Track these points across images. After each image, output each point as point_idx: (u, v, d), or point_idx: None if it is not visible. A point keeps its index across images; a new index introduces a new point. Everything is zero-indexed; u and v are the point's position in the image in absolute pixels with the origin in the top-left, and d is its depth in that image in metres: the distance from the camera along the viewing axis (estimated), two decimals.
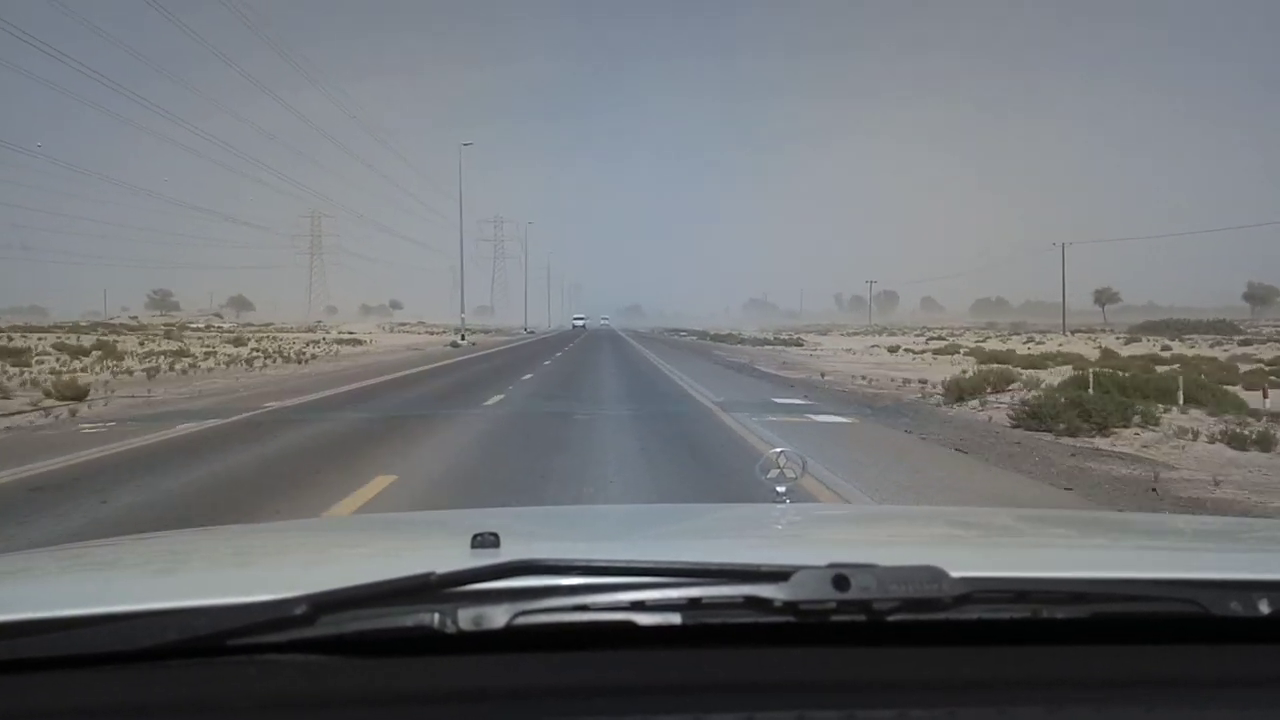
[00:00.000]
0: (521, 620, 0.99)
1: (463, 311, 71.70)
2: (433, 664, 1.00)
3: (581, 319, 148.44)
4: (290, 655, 0.98)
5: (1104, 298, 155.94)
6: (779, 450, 2.22)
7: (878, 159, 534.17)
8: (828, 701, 0.94)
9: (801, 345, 61.58)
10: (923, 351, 50.00)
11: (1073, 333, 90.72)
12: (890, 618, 0.99)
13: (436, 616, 0.98)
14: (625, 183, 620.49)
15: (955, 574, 1.00)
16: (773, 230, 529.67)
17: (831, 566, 1.00)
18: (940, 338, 78.42)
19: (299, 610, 0.96)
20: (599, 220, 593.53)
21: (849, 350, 52.94)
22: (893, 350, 52.56)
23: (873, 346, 60.00)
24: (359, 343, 61.03)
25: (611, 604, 1.01)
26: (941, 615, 1.00)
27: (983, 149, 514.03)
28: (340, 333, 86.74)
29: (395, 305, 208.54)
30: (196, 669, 0.98)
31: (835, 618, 0.99)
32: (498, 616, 0.98)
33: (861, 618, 0.99)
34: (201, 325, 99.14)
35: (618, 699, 0.96)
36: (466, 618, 0.98)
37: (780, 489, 2.12)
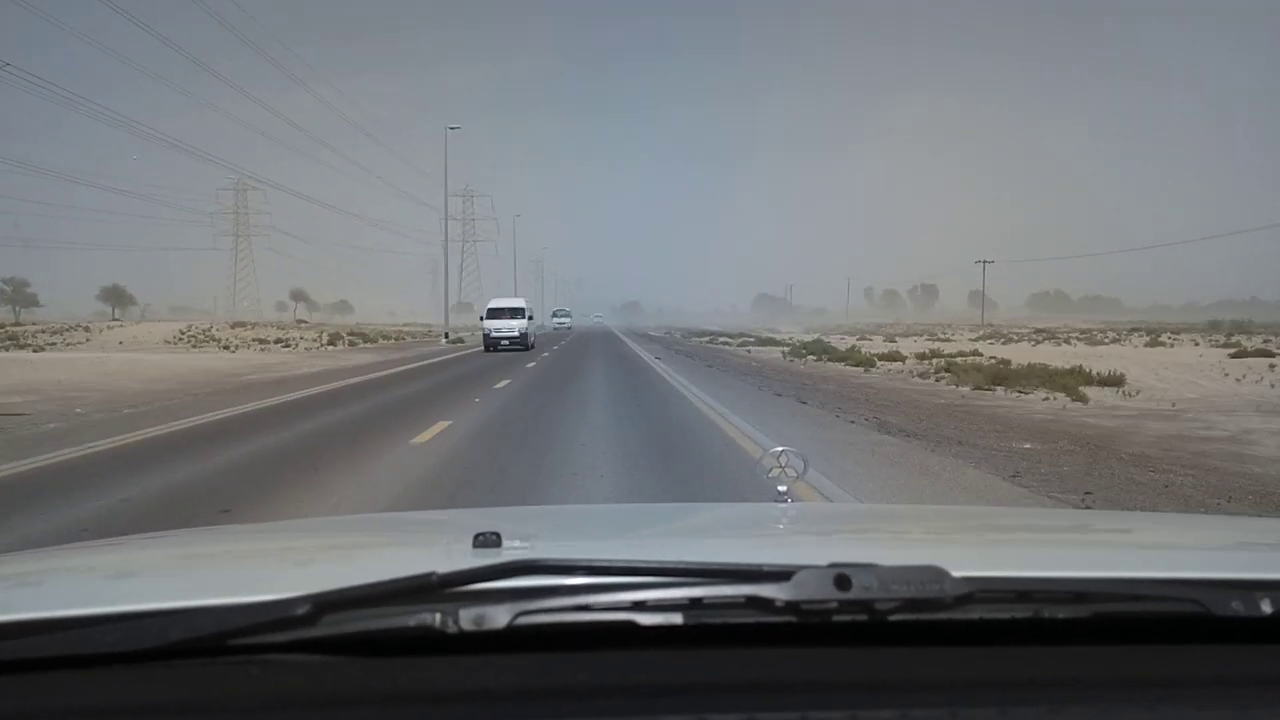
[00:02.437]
0: (523, 620, 0.99)
1: None
2: (434, 664, 1.00)
3: (508, 321, 41.65)
4: (293, 655, 0.99)
5: None
6: (779, 449, 2.17)
7: (905, 147, 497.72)
8: (830, 701, 0.94)
9: (1123, 383, 20.10)
10: None
11: None
12: (892, 618, 1.00)
13: (438, 616, 0.98)
14: (622, 174, 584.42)
15: (957, 574, 1.00)
16: (784, 223, 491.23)
17: (833, 566, 1.00)
18: (1179, 344, 43.91)
19: (301, 610, 0.96)
20: (593, 213, 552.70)
21: None
22: None
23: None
24: None
25: (613, 604, 1.01)
26: (943, 615, 1.00)
27: (1032, 136, 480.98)
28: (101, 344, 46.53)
29: (298, 296, 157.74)
30: (200, 669, 0.99)
31: (837, 618, 0.99)
32: (499, 616, 0.98)
33: (863, 617, 1.00)
34: None
35: (619, 699, 0.96)
36: (468, 618, 0.98)
37: (781, 488, 2.10)
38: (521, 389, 18.90)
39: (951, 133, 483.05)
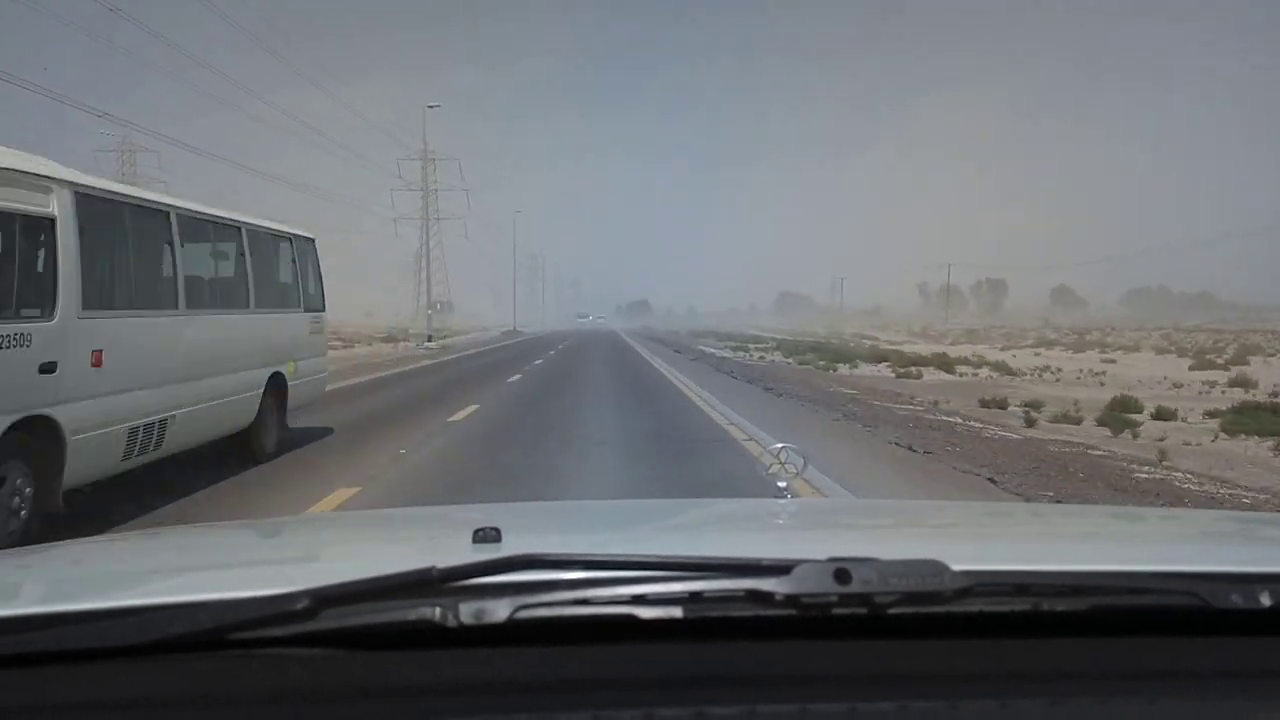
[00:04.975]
0: (523, 614, 0.99)
1: None
2: (434, 658, 1.00)
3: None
4: (292, 649, 0.99)
5: None
6: (779, 446, 2.21)
7: (958, 140, 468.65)
8: (829, 694, 0.95)
9: None
10: None
11: None
12: (891, 611, 1.00)
13: (438, 610, 0.98)
14: (629, 170, 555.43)
15: (956, 567, 1.01)
16: (814, 219, 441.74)
17: (832, 560, 1.00)
18: None
19: (301, 604, 0.97)
20: (597, 210, 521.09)
21: None
22: None
23: None
24: None
25: (613, 598, 1.01)
26: (942, 608, 1.00)
27: (1115, 106, 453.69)
28: None
29: None
30: (199, 663, 0.99)
31: (836, 611, 1.00)
32: (499, 610, 0.98)
33: (863, 611, 1.00)
34: None
35: (619, 692, 0.96)
36: (468, 611, 0.98)
37: (781, 484, 2.13)
38: None
39: (1013, 125, 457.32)
